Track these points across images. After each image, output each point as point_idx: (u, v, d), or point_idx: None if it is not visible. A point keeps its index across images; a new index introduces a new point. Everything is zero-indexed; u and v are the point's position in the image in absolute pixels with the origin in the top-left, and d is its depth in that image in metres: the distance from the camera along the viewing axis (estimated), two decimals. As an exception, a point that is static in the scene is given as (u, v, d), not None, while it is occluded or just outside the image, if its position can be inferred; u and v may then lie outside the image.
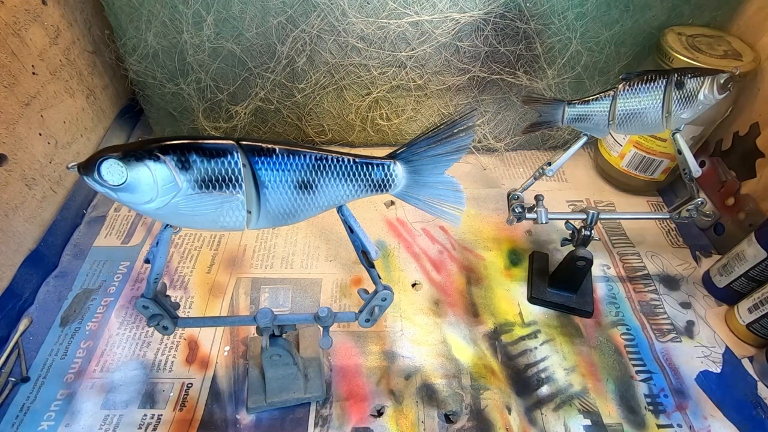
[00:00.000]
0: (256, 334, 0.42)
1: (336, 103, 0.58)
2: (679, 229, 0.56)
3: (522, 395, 0.41)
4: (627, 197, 0.59)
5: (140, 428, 0.37)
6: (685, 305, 0.48)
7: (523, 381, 0.41)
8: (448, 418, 0.39)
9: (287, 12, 0.49)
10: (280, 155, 0.26)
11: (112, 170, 0.23)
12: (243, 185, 0.26)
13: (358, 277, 0.49)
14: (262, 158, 0.26)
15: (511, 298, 0.48)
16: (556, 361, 0.43)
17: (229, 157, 0.25)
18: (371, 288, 0.33)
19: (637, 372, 0.43)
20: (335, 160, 0.27)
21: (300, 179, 0.27)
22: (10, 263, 0.44)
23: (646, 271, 0.51)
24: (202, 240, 0.52)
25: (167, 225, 0.30)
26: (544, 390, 0.41)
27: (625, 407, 0.40)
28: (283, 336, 0.36)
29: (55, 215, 0.49)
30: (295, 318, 0.34)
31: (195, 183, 0.25)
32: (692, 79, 0.39)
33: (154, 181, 0.24)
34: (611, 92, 0.41)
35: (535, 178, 0.45)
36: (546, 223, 0.43)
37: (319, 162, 0.27)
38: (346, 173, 0.28)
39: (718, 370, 0.43)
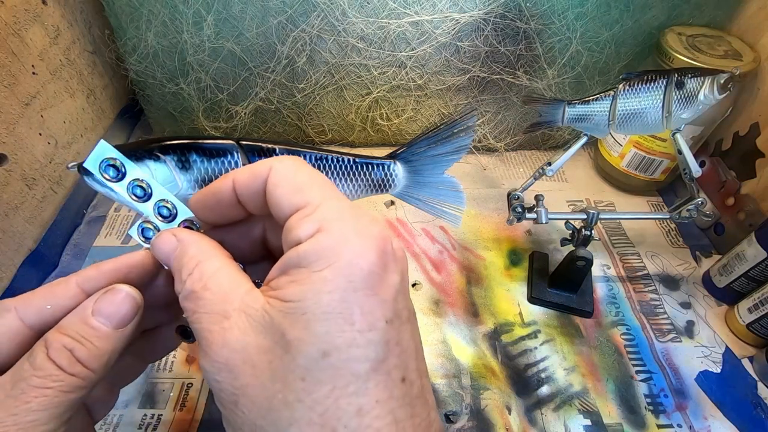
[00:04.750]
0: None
1: (336, 103, 0.58)
2: (679, 229, 0.56)
3: (522, 395, 0.41)
4: (627, 197, 0.59)
5: (140, 428, 0.37)
6: (685, 305, 0.48)
7: (523, 381, 0.41)
8: (448, 418, 0.39)
9: (287, 12, 0.49)
10: (280, 155, 0.26)
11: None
12: (243, 185, 0.26)
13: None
14: (262, 158, 0.26)
15: (511, 298, 0.48)
16: (556, 361, 0.43)
17: (229, 157, 0.25)
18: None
19: (637, 372, 0.43)
20: (335, 160, 0.27)
21: (300, 179, 0.27)
22: (10, 263, 0.44)
23: (646, 271, 0.51)
24: (202, 240, 0.52)
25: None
26: (544, 390, 0.41)
27: (625, 407, 0.40)
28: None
29: (55, 215, 0.49)
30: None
31: (195, 183, 0.25)
32: (692, 79, 0.39)
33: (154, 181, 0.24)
34: (611, 92, 0.41)
35: (535, 178, 0.45)
36: (546, 223, 0.43)
37: (319, 162, 0.27)
38: (346, 173, 0.28)
39: (718, 370, 0.43)
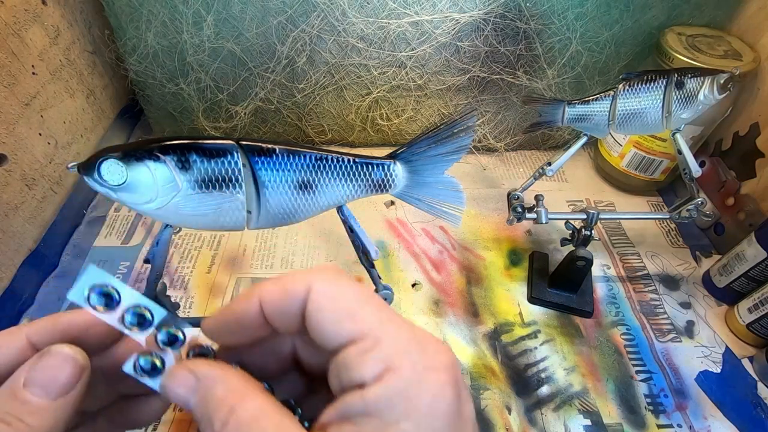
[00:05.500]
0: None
1: (336, 103, 0.58)
2: (679, 229, 0.56)
3: (522, 395, 0.41)
4: (627, 197, 0.59)
5: (140, 428, 0.37)
6: (685, 305, 0.48)
7: (523, 381, 0.41)
8: (448, 418, 0.39)
9: (287, 12, 0.49)
10: (280, 155, 0.26)
11: (112, 170, 0.23)
12: (243, 185, 0.26)
13: (359, 277, 0.49)
14: (262, 158, 0.26)
15: (511, 298, 0.48)
16: (556, 361, 0.43)
17: (229, 157, 0.25)
18: (372, 288, 0.33)
19: (637, 372, 0.43)
20: (335, 160, 0.27)
21: (300, 179, 0.27)
22: (10, 263, 0.44)
23: (646, 271, 0.51)
24: (202, 240, 0.52)
25: (167, 225, 0.30)
26: (544, 390, 0.41)
27: (625, 407, 0.40)
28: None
29: (55, 215, 0.49)
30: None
31: (195, 183, 0.25)
32: (692, 79, 0.39)
33: (154, 181, 0.24)
34: (611, 92, 0.41)
35: (535, 178, 0.45)
36: (546, 223, 0.43)
37: (319, 162, 0.27)
38: (346, 173, 0.28)
39: (718, 370, 0.43)
